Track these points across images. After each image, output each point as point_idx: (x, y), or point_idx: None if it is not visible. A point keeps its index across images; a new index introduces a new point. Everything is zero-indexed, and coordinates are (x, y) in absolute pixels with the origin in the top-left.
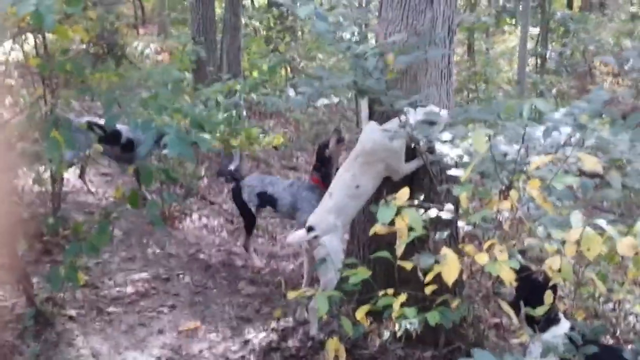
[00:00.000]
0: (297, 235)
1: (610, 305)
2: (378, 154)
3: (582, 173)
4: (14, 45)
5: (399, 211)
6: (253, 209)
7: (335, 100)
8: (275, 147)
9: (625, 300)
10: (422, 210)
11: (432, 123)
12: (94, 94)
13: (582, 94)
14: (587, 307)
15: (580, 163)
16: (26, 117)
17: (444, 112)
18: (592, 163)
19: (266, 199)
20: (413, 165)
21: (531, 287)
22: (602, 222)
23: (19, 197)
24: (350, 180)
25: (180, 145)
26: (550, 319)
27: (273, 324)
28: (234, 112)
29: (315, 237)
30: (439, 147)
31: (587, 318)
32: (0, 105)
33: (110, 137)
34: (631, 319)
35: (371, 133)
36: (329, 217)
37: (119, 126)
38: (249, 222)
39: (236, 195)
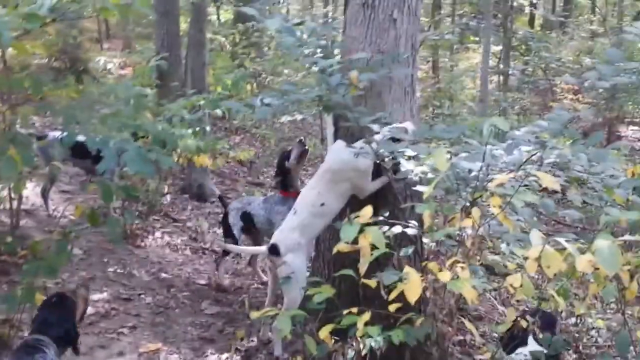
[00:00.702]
0: (258, 251)
1: (573, 320)
2: (345, 173)
3: (544, 190)
4: None
5: (362, 229)
6: (237, 232)
7: (300, 117)
8: (241, 162)
9: (587, 315)
10: (386, 227)
11: (397, 140)
12: (53, 111)
13: (543, 111)
14: None
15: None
16: None
17: (409, 125)
18: (549, 181)
19: (246, 219)
20: (378, 183)
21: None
22: (561, 240)
23: None
24: (315, 198)
25: (139, 163)
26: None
27: (236, 345)
28: (197, 128)
29: (279, 255)
30: (404, 164)
31: None
32: None
33: (79, 151)
34: (593, 333)
35: (339, 152)
36: (293, 234)
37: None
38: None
39: (224, 219)
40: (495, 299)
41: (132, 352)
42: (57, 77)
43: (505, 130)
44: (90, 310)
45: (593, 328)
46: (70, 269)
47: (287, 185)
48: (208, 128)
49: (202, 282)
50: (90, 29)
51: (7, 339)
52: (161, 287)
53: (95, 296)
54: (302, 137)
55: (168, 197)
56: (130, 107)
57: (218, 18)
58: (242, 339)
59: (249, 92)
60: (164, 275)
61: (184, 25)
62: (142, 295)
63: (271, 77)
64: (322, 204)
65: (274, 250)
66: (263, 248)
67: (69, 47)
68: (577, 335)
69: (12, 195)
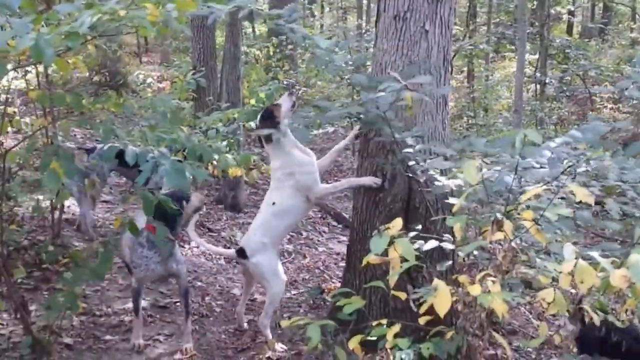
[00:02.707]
0: (227, 253)
1: None
2: (286, 168)
3: (580, 201)
4: (16, 74)
5: (392, 241)
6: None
7: (331, 129)
8: None
9: None
10: (417, 240)
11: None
12: (92, 125)
13: (582, 121)
14: None
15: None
16: (27, 146)
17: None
18: (583, 194)
19: None
20: (331, 187)
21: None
22: (595, 254)
23: (20, 224)
24: (267, 198)
25: (175, 176)
26: None
27: (268, 353)
28: (232, 140)
29: (246, 257)
30: (436, 177)
31: None
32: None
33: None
34: None
35: (285, 150)
36: (255, 236)
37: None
38: None
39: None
40: (530, 312)
41: (167, 359)
42: (98, 91)
43: (538, 143)
44: (127, 317)
45: None
46: (109, 277)
47: None
48: (242, 139)
49: (236, 291)
50: (130, 43)
51: (47, 345)
52: (196, 295)
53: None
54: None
55: (204, 208)
56: (166, 121)
57: (253, 31)
58: (273, 349)
59: None
60: (199, 283)
61: (220, 39)
62: (178, 303)
63: (305, 88)
64: (273, 203)
65: (241, 254)
66: (231, 251)
67: (108, 61)
68: None
69: (54, 205)
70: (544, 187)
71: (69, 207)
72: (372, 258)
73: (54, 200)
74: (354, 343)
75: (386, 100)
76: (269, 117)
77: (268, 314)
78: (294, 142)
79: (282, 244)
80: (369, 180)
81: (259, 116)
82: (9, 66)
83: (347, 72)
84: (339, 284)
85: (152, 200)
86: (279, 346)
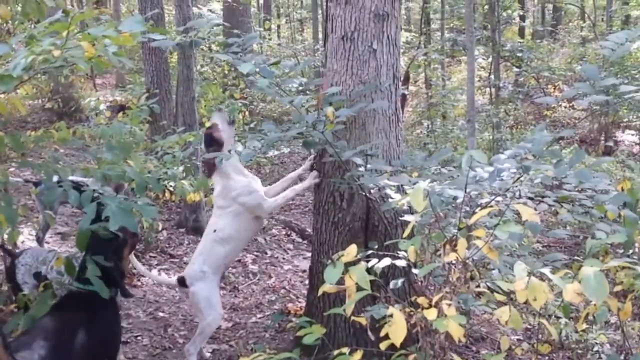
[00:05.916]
0: (169, 282)
1: (575, 336)
2: (227, 194)
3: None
4: None
5: (347, 269)
6: (28, 291)
7: (286, 150)
8: None
9: (589, 331)
10: (375, 260)
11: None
12: (33, 167)
13: (539, 120)
14: (552, 340)
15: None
16: None
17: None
18: (528, 214)
19: (40, 279)
20: (280, 199)
21: None
22: (546, 271)
23: None
24: (210, 225)
25: (122, 217)
26: None
27: None
28: (188, 164)
29: (186, 286)
30: (391, 194)
31: (554, 351)
32: None
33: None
34: (597, 348)
35: (221, 178)
36: (194, 265)
37: (86, 180)
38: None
39: (10, 275)
40: (498, 320)
41: None
42: (50, 119)
43: (484, 162)
44: None
45: (596, 343)
46: None
47: None
48: (199, 163)
49: None
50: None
51: None
52: (158, 327)
53: None
54: None
55: (164, 233)
56: (114, 154)
57: (210, 50)
58: None
59: (240, 121)
60: (161, 314)
61: (174, 59)
62: (139, 337)
63: (263, 104)
64: (214, 230)
65: (182, 282)
66: (174, 280)
67: (61, 87)
68: (580, 352)
69: (6, 244)
70: (494, 202)
71: (22, 242)
72: (326, 287)
73: (6, 240)
74: None
75: (310, 119)
76: (213, 142)
77: (195, 343)
78: (236, 168)
79: (245, 265)
80: (311, 181)
81: (203, 144)
82: None
83: (294, 94)
84: (305, 304)
85: (85, 236)
86: None
